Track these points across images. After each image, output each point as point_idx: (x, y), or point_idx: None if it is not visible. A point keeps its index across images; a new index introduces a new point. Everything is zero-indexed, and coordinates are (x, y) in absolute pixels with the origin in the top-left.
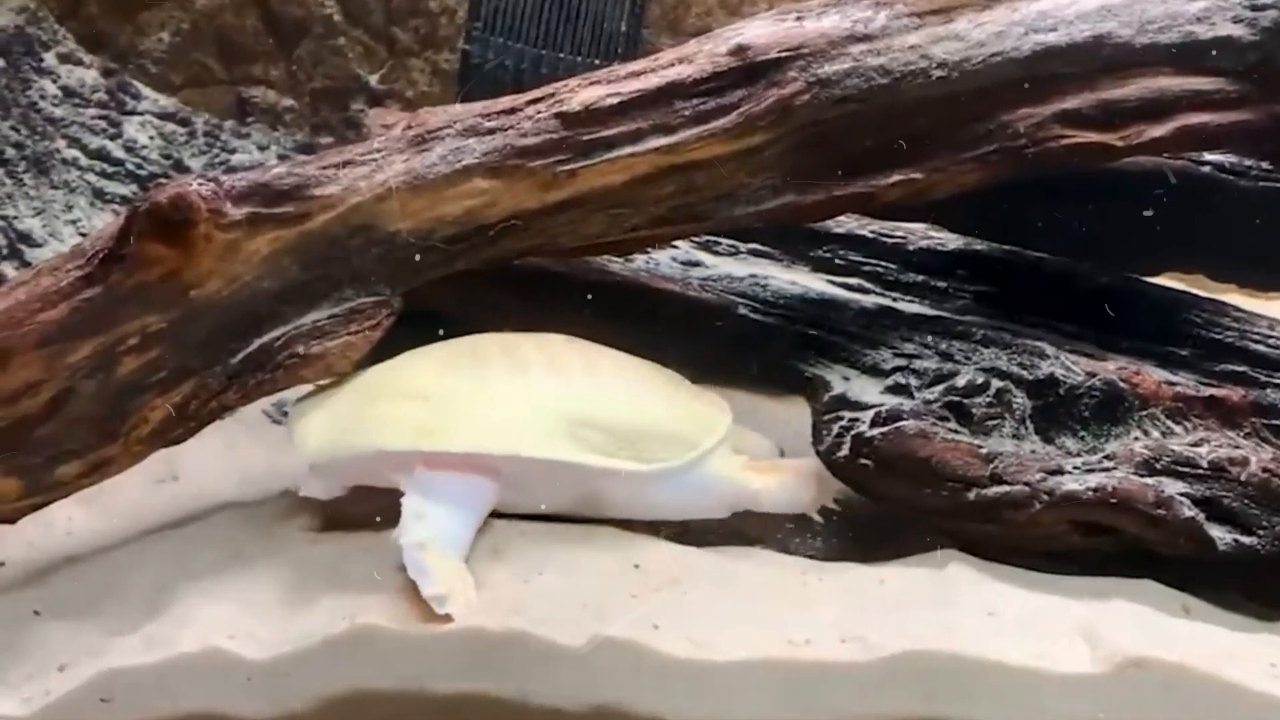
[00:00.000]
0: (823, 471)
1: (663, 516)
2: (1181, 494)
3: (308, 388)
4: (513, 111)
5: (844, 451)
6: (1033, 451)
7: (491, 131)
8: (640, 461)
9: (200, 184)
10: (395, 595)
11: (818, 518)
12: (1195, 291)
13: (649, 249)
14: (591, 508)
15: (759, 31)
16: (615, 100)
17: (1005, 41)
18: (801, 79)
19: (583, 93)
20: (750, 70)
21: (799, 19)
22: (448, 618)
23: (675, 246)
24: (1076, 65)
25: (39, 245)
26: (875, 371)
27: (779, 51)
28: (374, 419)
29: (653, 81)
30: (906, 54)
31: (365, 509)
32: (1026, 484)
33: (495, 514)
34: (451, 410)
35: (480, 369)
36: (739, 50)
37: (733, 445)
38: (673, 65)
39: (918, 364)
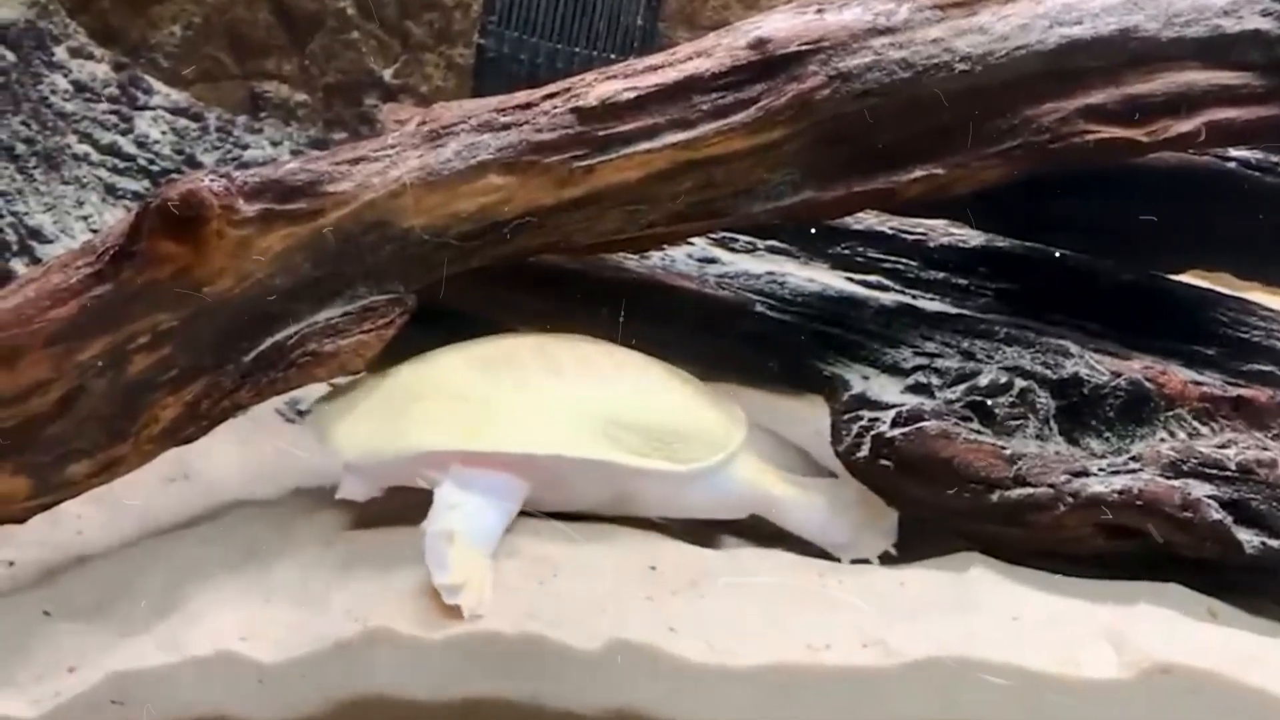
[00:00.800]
0: (870, 509)
1: (690, 516)
2: (1209, 496)
3: (322, 388)
4: (528, 107)
5: (864, 452)
6: (1057, 453)
7: (507, 127)
8: (674, 462)
9: (212, 180)
10: (409, 596)
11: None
12: (1220, 289)
13: (665, 246)
14: (623, 507)
15: (779, 25)
16: (632, 95)
17: (1029, 35)
18: (822, 73)
19: (599, 87)
20: (770, 64)
21: (819, 12)
22: (457, 610)
23: (691, 243)
24: (1102, 59)
25: (50, 241)
26: (895, 370)
27: (799, 45)
28: (416, 419)
29: (670, 76)
30: (929, 47)
31: (380, 508)
32: (1051, 486)
33: (520, 512)
34: (494, 411)
35: (516, 370)
36: (758, 44)
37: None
38: (691, 59)
39: (939, 363)
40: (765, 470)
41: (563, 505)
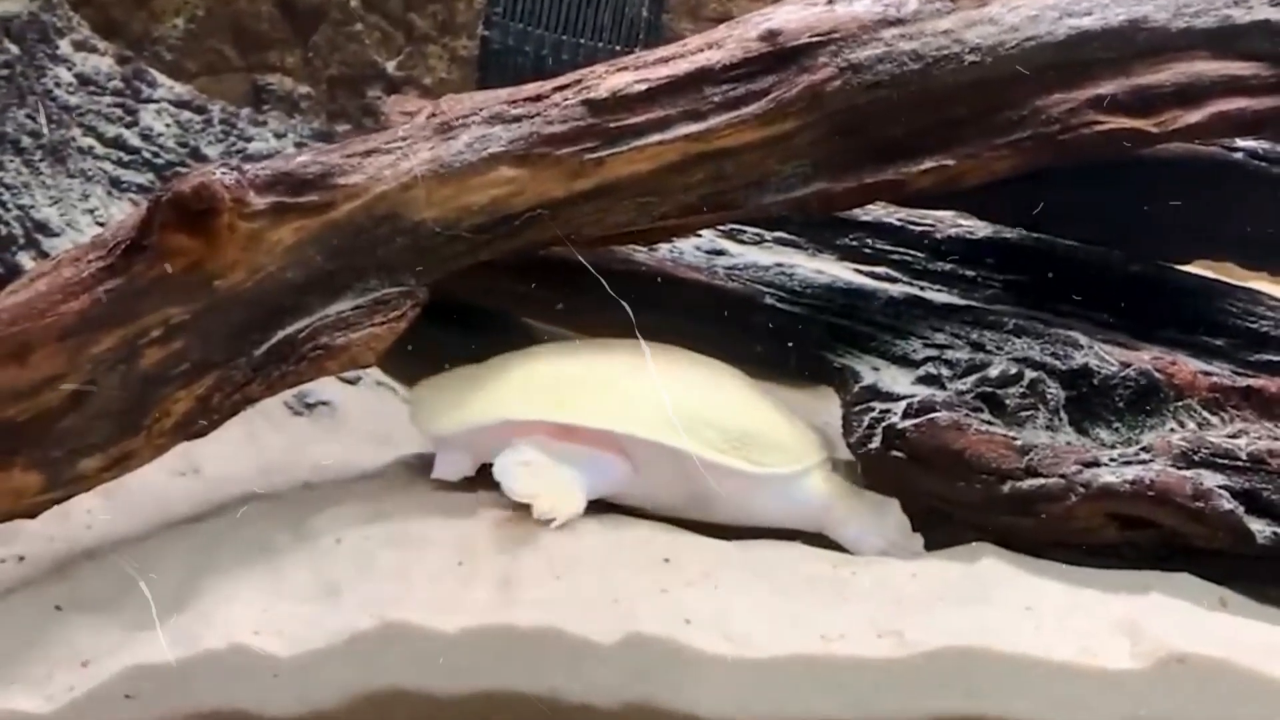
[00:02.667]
0: (904, 527)
1: (761, 523)
2: (1220, 486)
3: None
4: (539, 99)
5: (875, 443)
6: (1068, 443)
7: (518, 119)
8: (750, 464)
9: (224, 173)
10: (425, 589)
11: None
12: (1228, 280)
13: (675, 238)
14: (699, 509)
15: (790, 16)
16: (643, 87)
17: (1039, 26)
18: (833, 64)
19: (610, 79)
20: (781, 55)
21: (830, 3)
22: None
23: (699, 235)
24: (1112, 50)
25: (56, 234)
26: (905, 362)
27: (810, 36)
28: (502, 395)
29: (682, 67)
30: (939, 39)
31: (389, 503)
32: (1062, 476)
33: None
34: (579, 391)
35: (605, 363)
36: (770, 35)
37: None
38: (702, 51)
39: (949, 354)
40: (835, 485)
41: (639, 501)
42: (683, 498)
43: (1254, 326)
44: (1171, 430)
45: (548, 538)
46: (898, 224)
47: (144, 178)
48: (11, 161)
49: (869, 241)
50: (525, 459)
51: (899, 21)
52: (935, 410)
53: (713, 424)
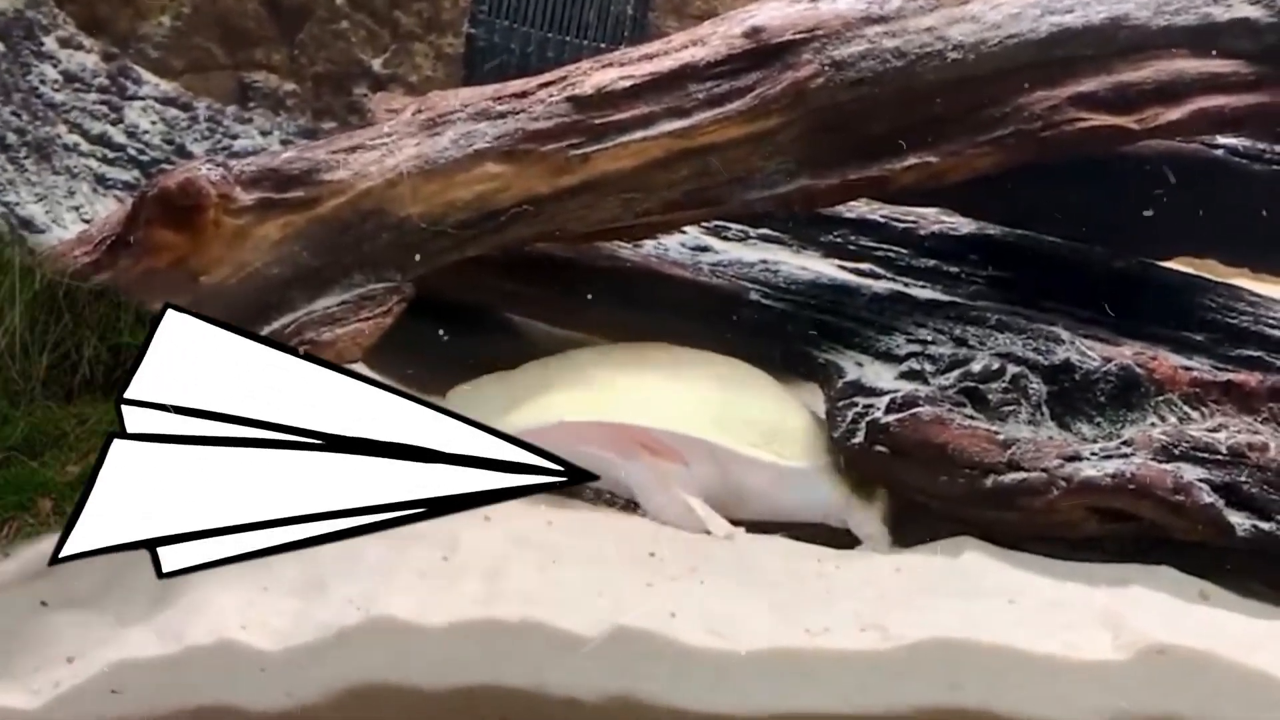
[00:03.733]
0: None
1: (786, 518)
2: (1200, 480)
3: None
4: (524, 95)
5: (859, 438)
6: (1049, 438)
7: (503, 115)
8: (780, 458)
9: (209, 169)
10: (410, 583)
11: None
12: (1208, 276)
13: (660, 234)
14: (733, 505)
15: (773, 13)
16: (628, 83)
17: (1021, 23)
18: (816, 61)
19: (595, 76)
20: (765, 52)
21: (814, 0)
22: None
23: (684, 232)
24: (1093, 47)
25: (41, 231)
26: (889, 357)
27: (794, 33)
28: (554, 398)
29: (666, 64)
30: (922, 36)
31: None
32: (1044, 470)
33: (524, 504)
34: (624, 393)
35: (643, 366)
36: (753, 32)
37: None
38: (686, 48)
39: (932, 349)
40: (845, 479)
41: None
42: (718, 493)
43: (1234, 322)
44: (1152, 425)
45: (542, 532)
46: (881, 220)
47: (129, 175)
48: None
49: (853, 238)
50: (651, 481)
51: (882, 19)
52: (918, 405)
53: (745, 419)
